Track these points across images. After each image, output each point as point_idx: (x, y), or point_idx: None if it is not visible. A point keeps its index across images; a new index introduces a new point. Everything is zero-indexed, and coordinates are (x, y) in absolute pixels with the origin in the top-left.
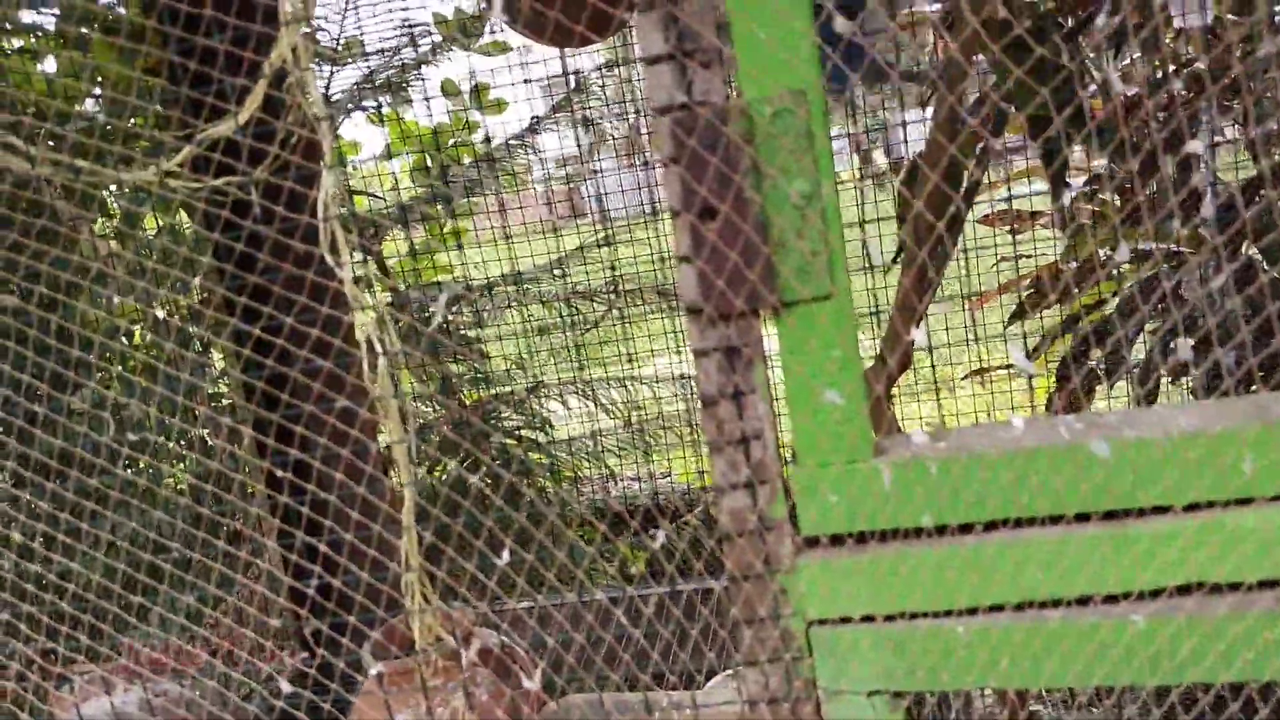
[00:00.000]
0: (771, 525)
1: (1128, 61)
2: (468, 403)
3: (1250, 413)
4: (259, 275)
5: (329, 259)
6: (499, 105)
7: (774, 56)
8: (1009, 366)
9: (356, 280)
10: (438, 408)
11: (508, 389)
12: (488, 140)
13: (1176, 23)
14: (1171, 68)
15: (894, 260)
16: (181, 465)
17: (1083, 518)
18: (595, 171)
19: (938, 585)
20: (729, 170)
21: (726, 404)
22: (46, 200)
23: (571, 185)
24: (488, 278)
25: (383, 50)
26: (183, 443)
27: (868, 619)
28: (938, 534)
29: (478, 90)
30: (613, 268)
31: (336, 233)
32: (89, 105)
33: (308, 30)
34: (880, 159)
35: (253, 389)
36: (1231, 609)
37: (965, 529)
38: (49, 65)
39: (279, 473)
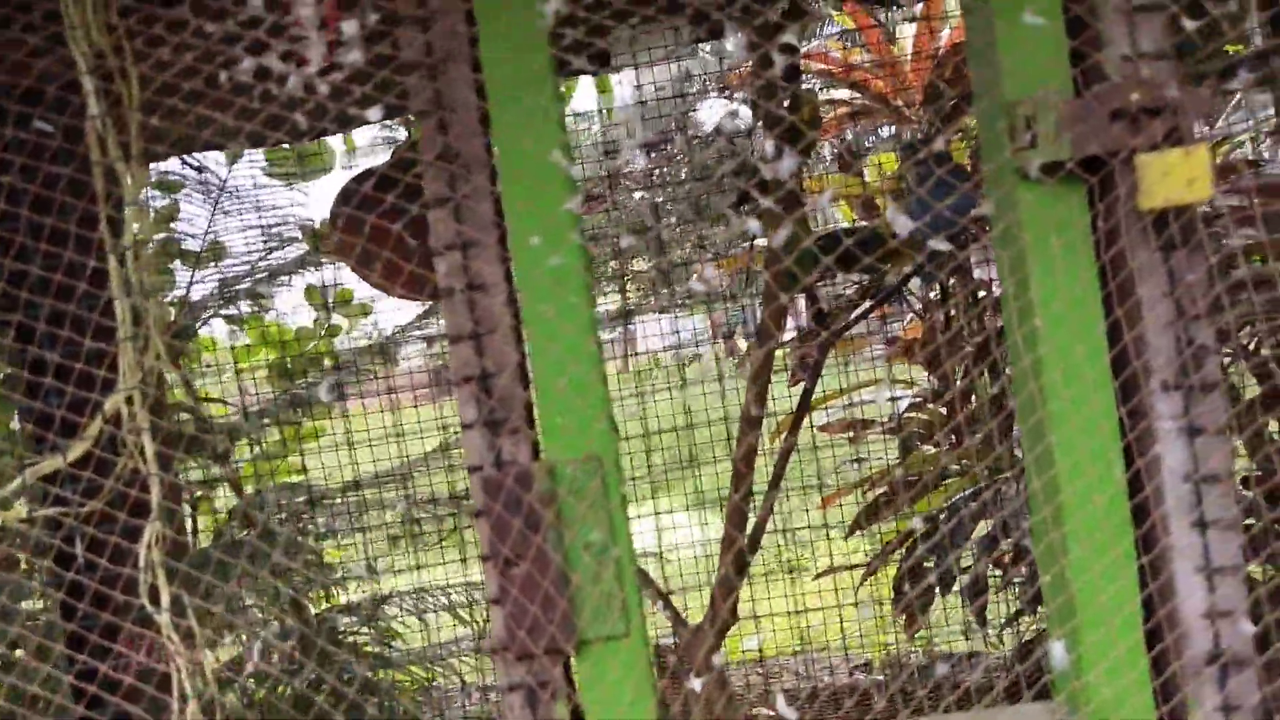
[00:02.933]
0: None
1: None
2: (311, 613)
3: None
4: (79, 622)
5: (149, 608)
6: (362, 310)
7: (573, 427)
8: (855, 566)
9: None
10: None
11: (353, 599)
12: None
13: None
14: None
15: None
16: None
17: None
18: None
19: None
20: (529, 530)
21: None
22: None
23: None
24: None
25: (247, 257)
26: None
27: None
28: None
29: (335, 297)
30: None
31: (159, 582)
32: None
33: (142, 388)
34: (741, 343)
35: None
36: None
37: None
38: None
39: None
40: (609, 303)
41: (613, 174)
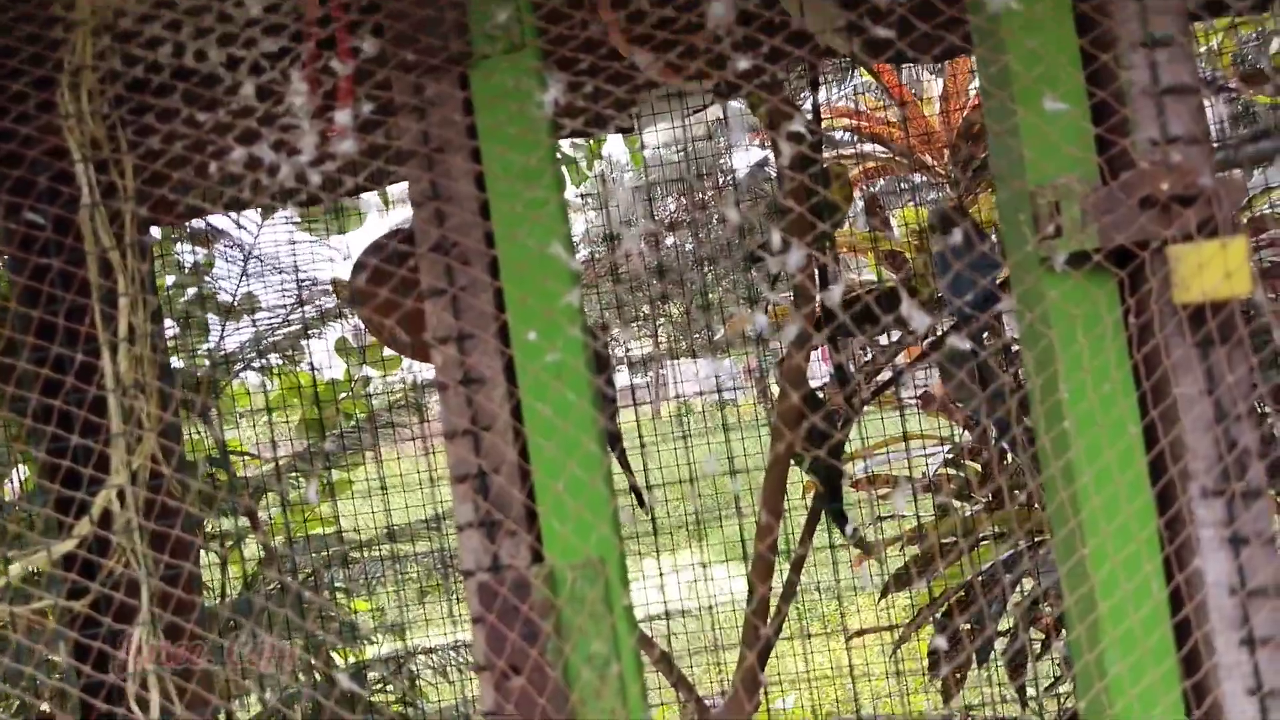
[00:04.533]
0: None
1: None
2: (339, 665)
3: None
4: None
5: (139, 716)
6: (390, 363)
7: (573, 531)
8: (893, 626)
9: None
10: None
11: (380, 653)
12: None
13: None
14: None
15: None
16: None
17: None
18: None
19: None
20: (526, 641)
21: None
22: None
23: None
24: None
25: (279, 310)
26: None
27: None
28: None
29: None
30: None
31: (150, 684)
32: None
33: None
34: (775, 387)
35: None
36: None
37: None
38: None
39: None
40: (642, 347)
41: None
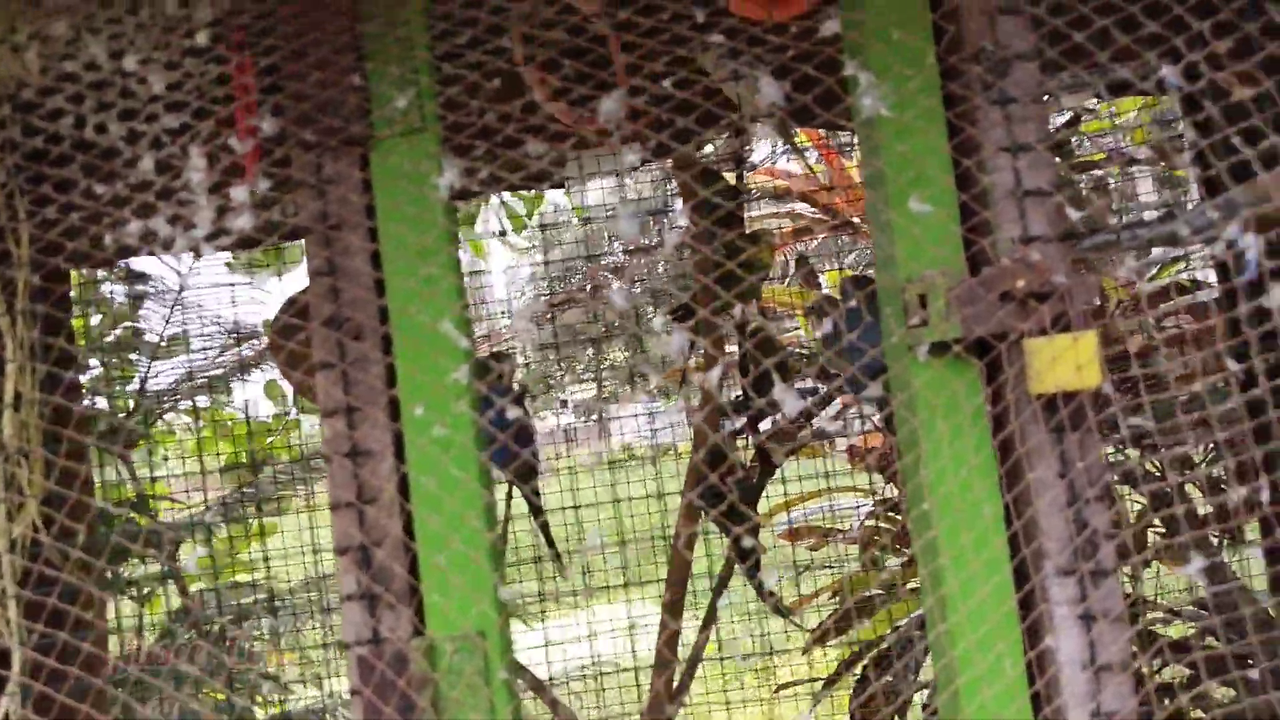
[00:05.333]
0: None
1: None
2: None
3: None
4: None
5: None
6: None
7: (455, 606)
8: (814, 679)
9: None
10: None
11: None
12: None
13: None
14: None
15: None
16: None
17: None
18: None
19: None
20: (402, 716)
21: None
22: None
23: None
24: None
25: (206, 352)
26: None
27: None
28: None
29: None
30: None
31: None
32: None
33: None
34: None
35: None
36: None
37: None
38: None
39: None
40: (584, 390)
41: (590, 271)
